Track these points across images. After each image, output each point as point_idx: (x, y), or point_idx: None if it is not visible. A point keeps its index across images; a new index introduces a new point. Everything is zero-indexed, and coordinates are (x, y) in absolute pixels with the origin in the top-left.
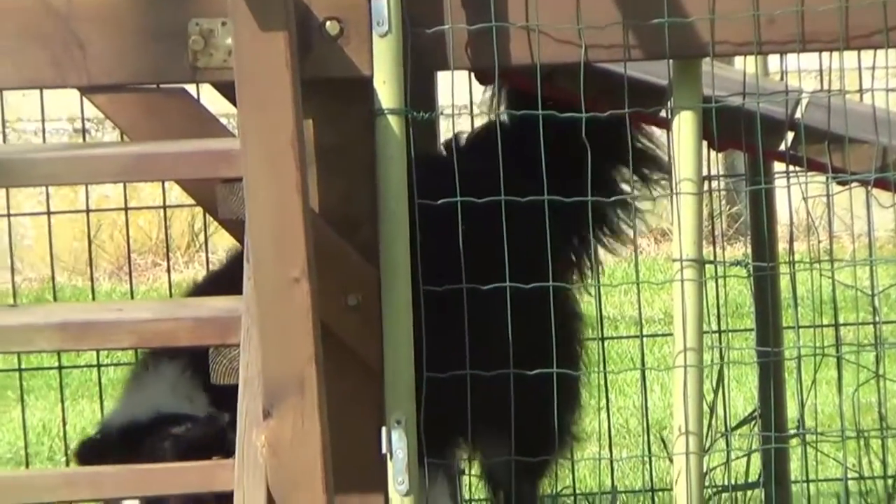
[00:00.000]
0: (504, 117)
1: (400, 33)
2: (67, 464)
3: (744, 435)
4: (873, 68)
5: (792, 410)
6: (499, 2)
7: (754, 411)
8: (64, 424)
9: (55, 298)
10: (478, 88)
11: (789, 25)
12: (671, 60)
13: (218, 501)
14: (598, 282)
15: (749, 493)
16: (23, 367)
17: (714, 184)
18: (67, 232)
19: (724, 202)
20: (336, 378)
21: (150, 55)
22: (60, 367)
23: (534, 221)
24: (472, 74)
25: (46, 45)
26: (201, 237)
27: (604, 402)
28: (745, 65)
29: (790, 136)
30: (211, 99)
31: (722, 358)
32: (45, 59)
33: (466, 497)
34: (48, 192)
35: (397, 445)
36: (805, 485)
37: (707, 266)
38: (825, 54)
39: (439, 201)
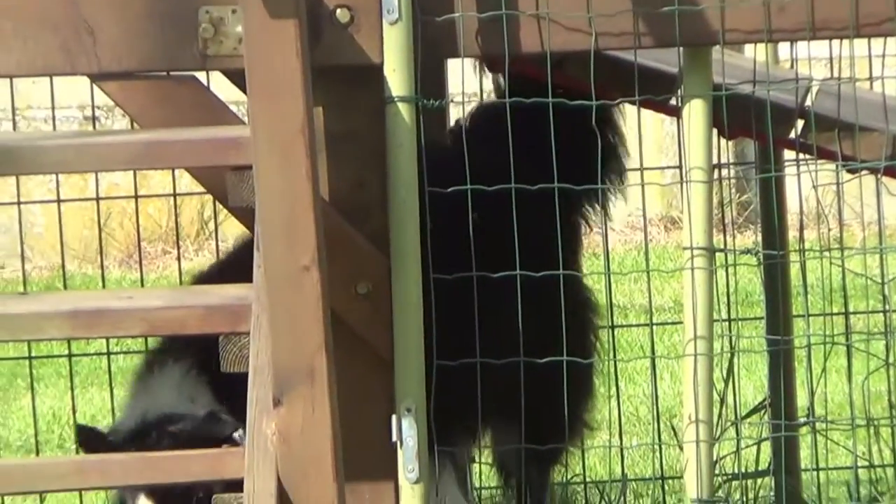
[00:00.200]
0: (497, 102)
1: (410, 21)
2: (77, 451)
3: (754, 423)
4: (883, 56)
5: (802, 399)
6: None
7: (764, 400)
8: (74, 412)
9: (65, 286)
10: (488, 76)
11: (800, 13)
12: (681, 48)
13: (227, 489)
14: (608, 269)
15: (759, 481)
16: (33, 355)
17: (724, 172)
18: (77, 220)
19: (734, 190)
20: (346, 366)
21: (161, 42)
22: (70, 355)
23: (541, 207)
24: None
25: (57, 32)
26: (211, 225)
27: (614, 390)
28: (756, 52)
29: (800, 124)
30: (221, 86)
31: (732, 346)
32: (55, 46)
33: (477, 485)
34: (58, 179)
35: (407, 433)
36: (815, 473)
37: (717, 254)
38: (835, 42)
39: (448, 189)
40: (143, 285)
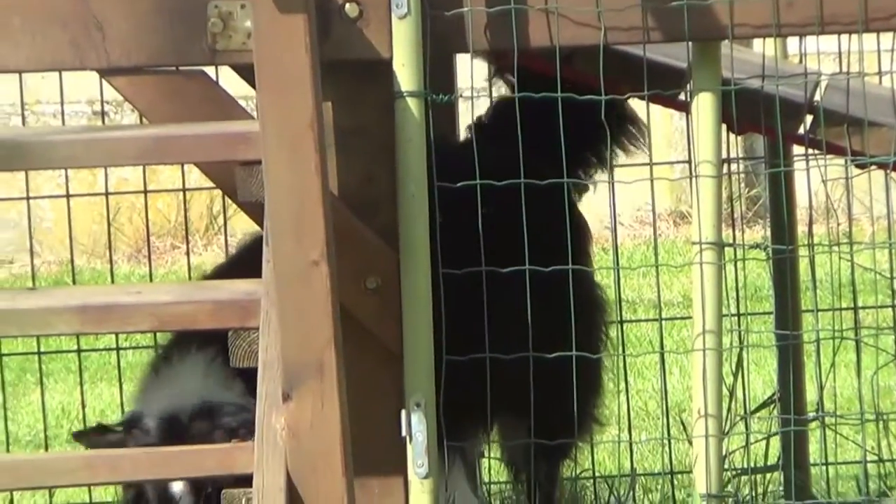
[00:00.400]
0: (510, 99)
1: (419, 16)
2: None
3: (763, 418)
4: (892, 51)
5: (811, 393)
6: None
7: (773, 394)
8: (83, 407)
9: (74, 281)
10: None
11: (808, 8)
12: (690, 43)
13: (237, 483)
14: (617, 265)
15: (768, 475)
16: (42, 350)
17: (733, 166)
18: (86, 215)
19: (743, 185)
20: (355, 361)
21: (170, 37)
22: (80, 350)
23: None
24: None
25: (66, 27)
26: (220, 220)
27: (623, 385)
28: (765, 47)
29: (809, 119)
30: (230, 81)
31: (741, 341)
32: (64, 41)
33: (487, 480)
34: (67, 174)
35: (417, 428)
36: (824, 467)
37: (726, 249)
38: (844, 37)
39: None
40: (151, 280)
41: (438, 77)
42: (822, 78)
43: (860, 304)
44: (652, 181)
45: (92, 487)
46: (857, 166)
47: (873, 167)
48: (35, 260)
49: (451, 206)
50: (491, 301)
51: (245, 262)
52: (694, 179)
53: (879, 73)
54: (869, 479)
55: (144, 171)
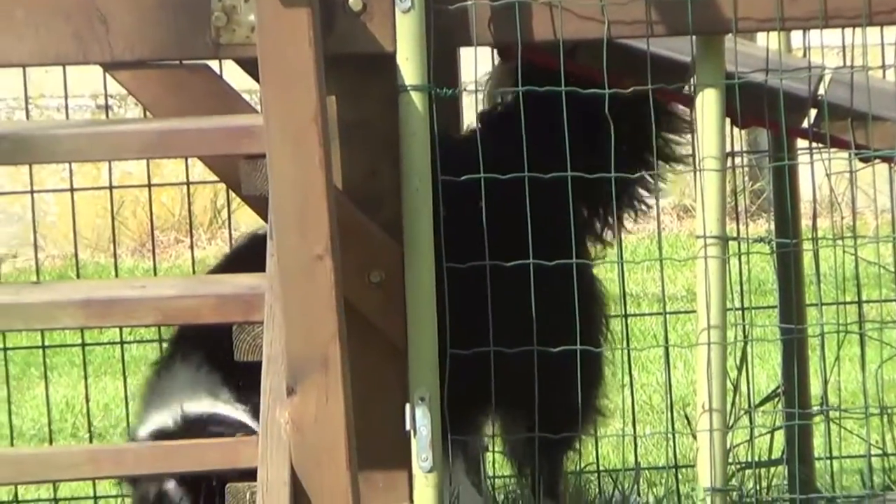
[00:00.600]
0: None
1: (423, 9)
2: (91, 440)
3: (767, 412)
4: None
5: (815, 387)
6: None
7: (777, 388)
8: (87, 401)
9: (78, 275)
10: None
11: (812, 1)
12: (694, 36)
13: (242, 478)
14: (621, 258)
15: (772, 469)
16: (46, 344)
17: (737, 160)
18: (90, 209)
19: (746, 179)
20: (360, 355)
21: (173, 31)
22: (84, 344)
23: (554, 198)
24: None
25: (69, 20)
26: (224, 214)
27: (627, 379)
28: (768, 41)
29: (813, 112)
30: (233, 75)
31: (745, 335)
32: (67, 34)
33: (491, 474)
34: (71, 168)
35: (421, 422)
36: (828, 462)
37: (730, 243)
38: (848, 30)
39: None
40: (155, 274)
41: (442, 71)
42: (826, 72)
43: (864, 297)
44: (656, 175)
45: (96, 481)
46: (861, 160)
47: (877, 161)
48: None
49: (453, 200)
50: (491, 295)
51: (241, 260)
52: (698, 173)
53: (883, 67)
54: (873, 473)
55: (148, 165)
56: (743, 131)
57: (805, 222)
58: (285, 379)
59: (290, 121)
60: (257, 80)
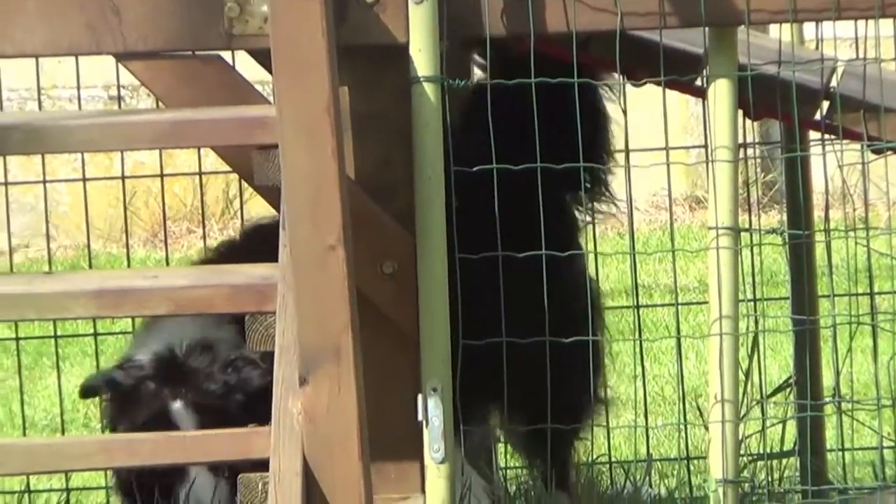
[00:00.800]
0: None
1: (435, 1)
2: (103, 430)
3: (779, 403)
4: None
5: (827, 379)
6: None
7: (789, 379)
8: None
9: (90, 265)
10: None
11: None
12: (707, 28)
13: (254, 468)
14: (633, 250)
15: (784, 461)
16: (58, 334)
17: (749, 151)
18: (102, 199)
19: (759, 170)
20: (372, 345)
21: (186, 21)
22: (96, 334)
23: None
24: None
25: (82, 10)
26: (236, 204)
27: (639, 370)
28: (781, 33)
29: (825, 104)
30: (246, 66)
31: (757, 326)
32: (80, 25)
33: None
34: (83, 158)
35: (433, 413)
36: (840, 453)
37: (742, 234)
38: (861, 22)
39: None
40: (168, 264)
41: (454, 62)
42: (839, 64)
43: (876, 289)
44: (668, 166)
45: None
46: (874, 151)
47: (889, 152)
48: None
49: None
50: (488, 287)
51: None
52: (710, 164)
53: None
54: (885, 465)
55: (161, 156)
56: (755, 123)
57: (817, 214)
58: (298, 369)
59: (302, 111)
60: (270, 70)
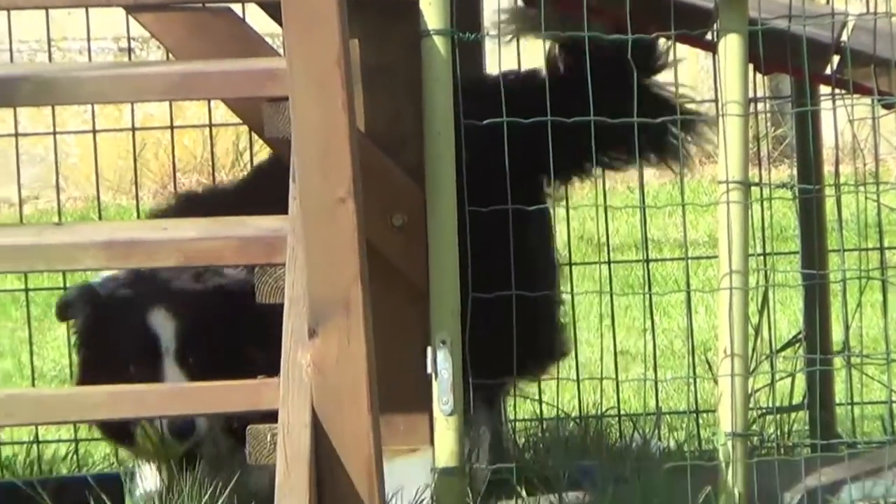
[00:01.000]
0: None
1: None
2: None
3: (788, 357)
4: None
5: (837, 333)
6: None
7: (799, 333)
8: None
9: (100, 217)
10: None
11: None
12: None
13: (263, 419)
14: (643, 203)
15: (793, 415)
16: (68, 285)
17: (759, 106)
18: (112, 151)
19: (769, 124)
20: (381, 298)
21: None
22: None
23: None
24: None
25: None
26: (246, 156)
27: (648, 323)
28: None
29: (836, 59)
30: (256, 18)
31: (767, 280)
32: None
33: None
34: (93, 110)
35: (442, 365)
36: (849, 407)
37: (752, 188)
38: None
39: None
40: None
41: (465, 15)
42: (850, 18)
43: (886, 244)
44: (679, 120)
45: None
46: (884, 106)
47: None
48: (61, 195)
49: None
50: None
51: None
52: (720, 119)
53: None
54: (894, 419)
55: (171, 108)
56: (765, 77)
57: (827, 168)
58: (307, 321)
59: (312, 64)
60: (280, 23)
